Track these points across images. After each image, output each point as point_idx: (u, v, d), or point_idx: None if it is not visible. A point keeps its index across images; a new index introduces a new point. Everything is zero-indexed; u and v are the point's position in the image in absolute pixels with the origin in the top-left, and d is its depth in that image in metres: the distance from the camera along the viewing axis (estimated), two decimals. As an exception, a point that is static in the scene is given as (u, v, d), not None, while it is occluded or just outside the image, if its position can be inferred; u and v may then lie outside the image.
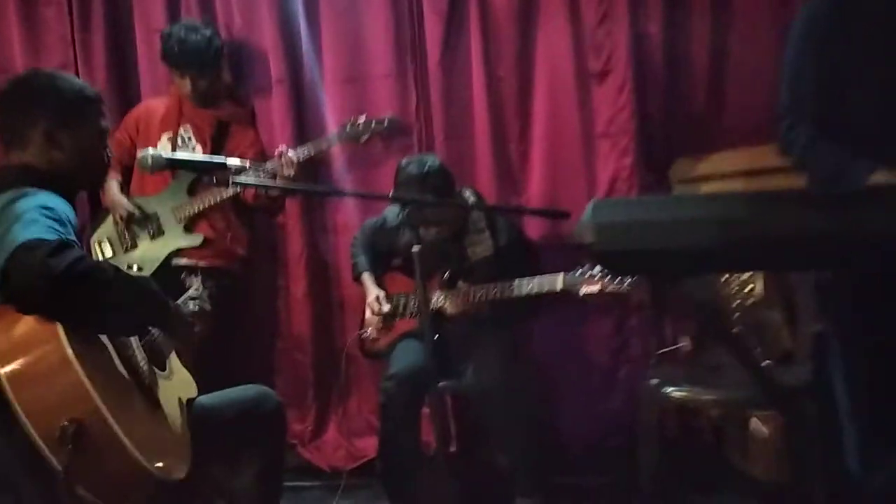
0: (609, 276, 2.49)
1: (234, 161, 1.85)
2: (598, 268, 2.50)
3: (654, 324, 2.95)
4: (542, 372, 3.06)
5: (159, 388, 1.77)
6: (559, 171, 3.08)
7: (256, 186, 2.78)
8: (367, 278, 2.95)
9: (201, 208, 3.11)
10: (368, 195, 3.21)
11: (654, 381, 2.37)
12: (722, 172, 2.71)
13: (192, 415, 1.83)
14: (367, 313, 2.90)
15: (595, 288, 2.49)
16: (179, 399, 1.85)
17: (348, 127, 3.13)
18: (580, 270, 2.56)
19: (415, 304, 2.83)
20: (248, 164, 1.89)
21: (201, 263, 3.10)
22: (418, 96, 3.18)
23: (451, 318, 2.72)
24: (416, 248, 2.11)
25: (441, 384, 2.65)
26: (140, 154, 1.86)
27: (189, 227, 3.14)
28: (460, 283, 2.73)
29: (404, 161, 2.76)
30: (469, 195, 2.86)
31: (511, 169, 3.14)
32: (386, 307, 2.84)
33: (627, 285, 2.49)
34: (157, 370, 1.84)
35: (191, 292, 2.12)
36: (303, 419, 3.37)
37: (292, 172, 2.99)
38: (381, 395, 2.68)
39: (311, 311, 3.32)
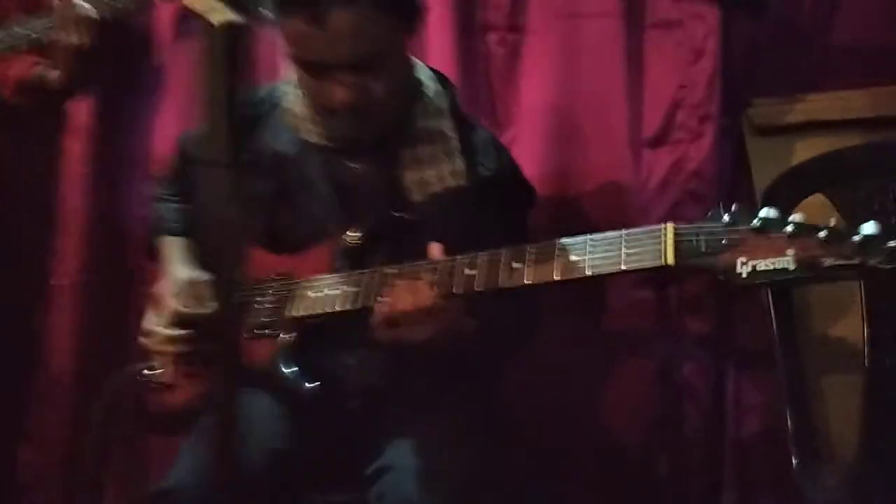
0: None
1: None
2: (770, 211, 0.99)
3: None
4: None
5: None
6: (575, 84, 1.68)
7: None
8: (173, 247, 1.40)
9: None
10: None
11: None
12: (828, 119, 1.63)
13: None
14: (150, 318, 1.33)
15: (835, 258, 0.90)
16: None
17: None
18: (732, 212, 0.99)
19: (275, 297, 1.28)
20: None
21: None
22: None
23: (382, 336, 1.15)
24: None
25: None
26: None
27: None
28: (432, 247, 1.16)
29: None
30: (426, 77, 1.36)
31: (489, 77, 1.73)
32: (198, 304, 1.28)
33: None
34: None
35: None
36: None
37: (83, 39, 1.59)
38: None
39: (85, 321, 1.77)
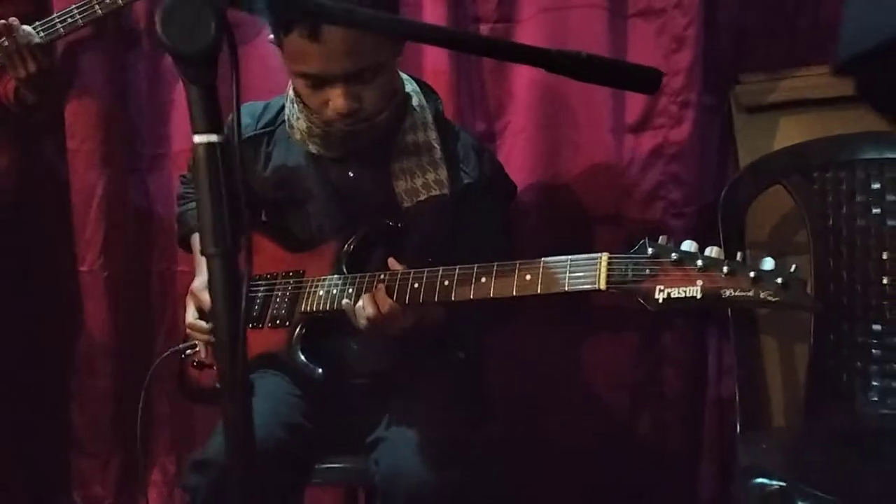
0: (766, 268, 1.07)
1: None
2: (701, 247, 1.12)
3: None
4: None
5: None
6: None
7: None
8: (197, 245, 1.56)
9: None
10: None
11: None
12: (815, 97, 1.64)
13: None
14: (189, 312, 1.50)
15: (733, 289, 1.05)
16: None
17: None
18: (656, 245, 1.13)
19: (289, 293, 1.43)
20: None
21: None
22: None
23: (364, 331, 1.32)
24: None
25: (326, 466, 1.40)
26: None
27: None
28: (390, 261, 1.33)
29: None
30: (413, 91, 1.48)
31: (481, 68, 1.82)
32: None
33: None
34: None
35: None
36: (103, 480, 2.06)
37: (29, 70, 1.69)
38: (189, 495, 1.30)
39: (112, 301, 1.97)
